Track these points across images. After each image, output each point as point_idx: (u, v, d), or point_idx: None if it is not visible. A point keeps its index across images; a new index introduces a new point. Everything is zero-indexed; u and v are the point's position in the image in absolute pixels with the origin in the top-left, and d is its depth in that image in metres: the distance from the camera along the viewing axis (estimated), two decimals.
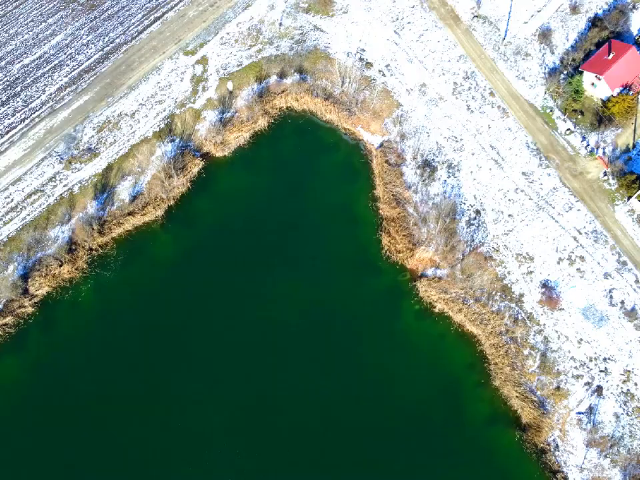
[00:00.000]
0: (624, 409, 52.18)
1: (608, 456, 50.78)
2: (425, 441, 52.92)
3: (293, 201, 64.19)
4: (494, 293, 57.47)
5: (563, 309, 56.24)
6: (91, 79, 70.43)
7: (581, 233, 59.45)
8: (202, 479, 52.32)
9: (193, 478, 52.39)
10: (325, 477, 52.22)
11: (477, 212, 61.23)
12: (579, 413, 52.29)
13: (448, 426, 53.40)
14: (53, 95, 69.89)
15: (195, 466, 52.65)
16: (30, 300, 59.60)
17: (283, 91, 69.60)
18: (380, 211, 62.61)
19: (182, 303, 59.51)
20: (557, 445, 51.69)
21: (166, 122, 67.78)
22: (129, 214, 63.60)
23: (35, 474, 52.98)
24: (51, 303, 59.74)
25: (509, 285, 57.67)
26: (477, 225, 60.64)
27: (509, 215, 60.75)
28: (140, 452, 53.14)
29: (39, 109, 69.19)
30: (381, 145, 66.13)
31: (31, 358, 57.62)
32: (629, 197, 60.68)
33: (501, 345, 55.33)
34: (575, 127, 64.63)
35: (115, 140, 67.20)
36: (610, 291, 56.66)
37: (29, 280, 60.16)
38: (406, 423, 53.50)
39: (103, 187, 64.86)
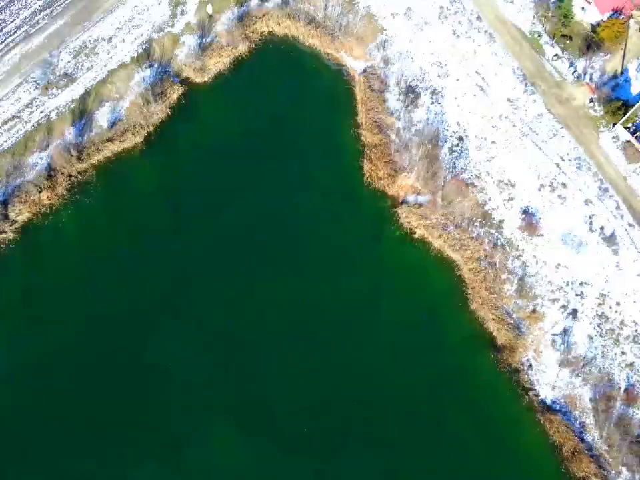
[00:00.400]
0: (597, 331, 54.56)
1: (580, 375, 53.39)
2: (402, 362, 55.72)
3: (274, 127, 64.89)
4: (474, 219, 59.05)
5: (542, 235, 58.14)
6: (66, 2, 69.93)
7: (563, 160, 60.67)
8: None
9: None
10: (306, 389, 54.93)
11: (460, 139, 62.28)
12: (554, 335, 54.68)
13: (426, 347, 56.34)
14: (28, 19, 69.46)
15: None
16: (11, 225, 61.07)
17: (264, 15, 69.50)
18: (362, 138, 63.84)
19: (163, 228, 61.02)
20: (530, 364, 54.37)
21: (144, 47, 68.02)
22: (108, 140, 64.58)
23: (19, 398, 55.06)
24: (31, 229, 61.48)
25: (489, 212, 59.37)
26: (459, 151, 61.74)
27: (492, 142, 61.99)
28: (124, 382, 55.53)
29: (14, 34, 68.86)
30: (364, 71, 66.70)
31: (13, 283, 59.48)
32: (614, 124, 61.76)
33: (479, 270, 57.38)
34: (562, 53, 65.37)
35: (92, 65, 67.41)
36: (590, 217, 58.41)
37: (9, 206, 61.56)
38: (384, 344, 56.15)
39: (81, 113, 65.45)
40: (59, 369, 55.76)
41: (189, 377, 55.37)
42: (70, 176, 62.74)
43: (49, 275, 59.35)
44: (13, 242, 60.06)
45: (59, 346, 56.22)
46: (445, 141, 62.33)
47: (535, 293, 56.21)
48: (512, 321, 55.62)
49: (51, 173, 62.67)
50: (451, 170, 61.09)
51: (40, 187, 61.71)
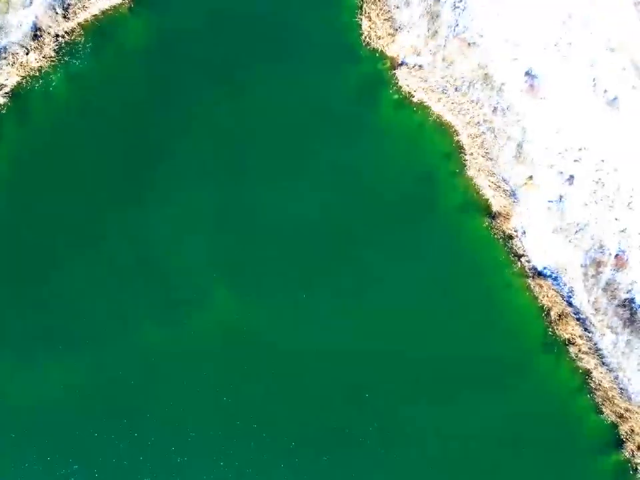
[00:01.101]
0: (593, 198, 54.82)
1: (572, 241, 54.33)
2: (395, 225, 56.29)
3: None
4: (475, 81, 57.53)
5: (544, 98, 56.55)
6: None
7: (571, 17, 57.89)
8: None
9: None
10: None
11: None
12: (549, 202, 55.00)
13: (421, 212, 56.94)
14: None
15: None
16: (0, 90, 59.65)
17: None
18: None
19: (156, 88, 59.59)
20: (524, 231, 55.19)
21: None
22: None
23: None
24: (22, 93, 60.02)
25: (491, 74, 57.62)
26: (462, 7, 58.88)
27: None
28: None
29: None
30: None
31: (8, 149, 59.02)
32: None
33: (477, 135, 56.68)
34: None
35: None
36: (594, 80, 56.53)
37: None
38: (384, 208, 56.46)
39: None
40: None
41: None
42: (57, 36, 60.47)
43: (43, 138, 58.56)
44: (4, 107, 58.92)
45: (56, 210, 57.59)
46: None
47: (532, 159, 55.72)
48: (508, 188, 55.77)
49: (37, 33, 60.37)
50: (453, 28, 58.43)
51: (27, 48, 59.69)
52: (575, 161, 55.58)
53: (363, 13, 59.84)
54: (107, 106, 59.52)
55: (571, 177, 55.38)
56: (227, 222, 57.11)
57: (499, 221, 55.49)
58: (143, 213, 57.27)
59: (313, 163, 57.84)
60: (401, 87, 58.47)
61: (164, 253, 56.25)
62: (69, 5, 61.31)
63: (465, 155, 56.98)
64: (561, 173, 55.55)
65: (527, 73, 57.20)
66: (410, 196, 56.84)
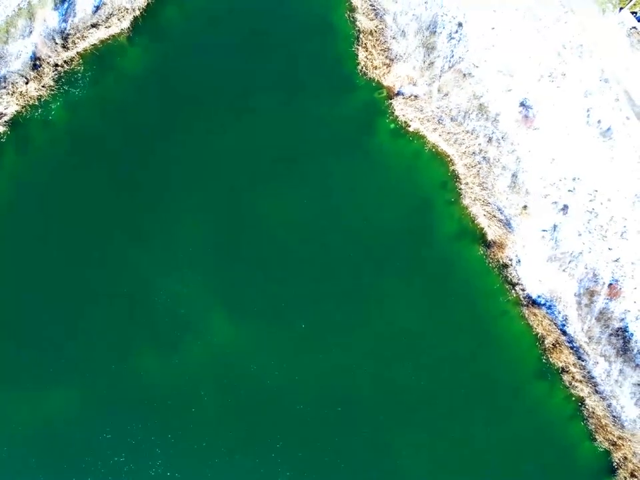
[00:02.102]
0: (586, 227, 55.65)
1: (566, 270, 55.16)
2: (391, 252, 57.09)
3: (266, 11, 62.25)
4: (470, 111, 58.31)
5: (538, 129, 57.44)
6: None
7: (565, 48, 58.78)
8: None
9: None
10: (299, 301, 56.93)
11: (459, 24, 59.95)
12: (543, 231, 55.83)
13: (417, 240, 57.58)
14: None
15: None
16: (0, 119, 60.36)
17: None
18: (357, 23, 61.16)
19: (154, 116, 60.26)
20: (518, 260, 55.93)
21: None
22: (93, 26, 62.04)
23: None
24: (21, 122, 60.60)
25: (486, 104, 58.38)
26: (458, 39, 59.69)
27: (492, 28, 59.65)
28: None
29: None
30: None
31: (7, 176, 59.69)
32: (621, 8, 59.19)
33: (473, 165, 57.45)
34: None
35: None
36: (588, 110, 57.47)
37: None
38: (379, 236, 57.24)
39: None
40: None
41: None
42: (56, 65, 60.96)
43: (42, 166, 59.27)
44: (4, 135, 59.54)
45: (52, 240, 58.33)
46: (443, 27, 59.79)
47: (527, 189, 56.54)
48: (503, 217, 56.55)
49: (36, 62, 60.90)
50: (448, 59, 59.26)
51: (26, 78, 60.17)
52: (569, 190, 56.48)
53: (360, 43, 60.55)
54: (106, 134, 60.05)
55: (565, 206, 56.28)
56: (225, 250, 57.69)
57: (493, 250, 56.28)
58: (142, 241, 57.94)
59: (310, 190, 58.47)
60: (397, 117, 59.19)
61: (161, 282, 57.09)
62: (68, 34, 61.92)
63: (461, 184, 57.77)
64: (555, 202, 56.45)
65: (522, 104, 58.09)
66: (406, 224, 57.59)
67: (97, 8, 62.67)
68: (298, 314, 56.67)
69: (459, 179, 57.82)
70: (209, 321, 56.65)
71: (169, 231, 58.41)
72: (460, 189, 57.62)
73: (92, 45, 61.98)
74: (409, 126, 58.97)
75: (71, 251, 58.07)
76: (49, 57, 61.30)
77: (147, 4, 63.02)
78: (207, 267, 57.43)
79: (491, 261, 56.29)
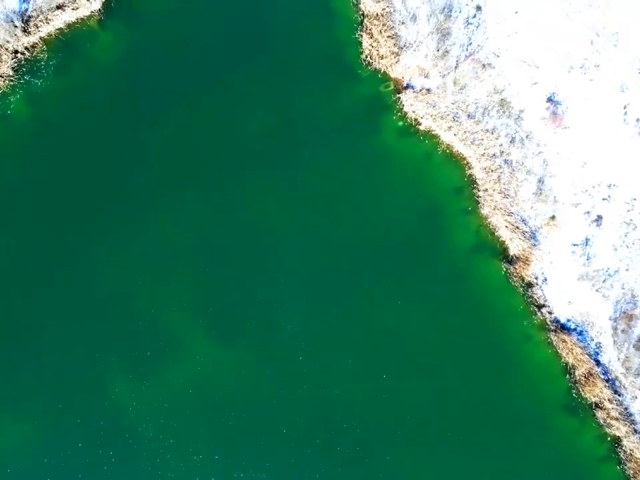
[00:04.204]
0: (623, 241, 48.84)
1: (599, 290, 48.36)
2: (402, 269, 50.28)
3: None
4: (490, 107, 51.21)
5: (568, 128, 50.48)
6: None
7: (599, 36, 51.78)
8: None
9: None
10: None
11: (478, 8, 52.66)
12: (574, 245, 49.16)
13: (429, 255, 50.43)
14: None
15: None
16: None
17: None
18: (361, 6, 53.67)
19: (126, 112, 53.03)
20: (545, 278, 49.16)
21: None
22: (58, 7, 54.25)
23: None
24: None
25: (508, 99, 51.20)
26: (476, 24, 52.53)
27: (516, 12, 52.26)
28: None
29: None
30: None
31: None
32: None
33: (493, 169, 50.44)
34: None
35: None
36: (625, 107, 50.54)
37: None
38: (386, 250, 50.43)
39: None
40: None
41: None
42: (16, 52, 53.01)
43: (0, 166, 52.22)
44: None
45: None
46: (460, 11, 52.48)
47: (555, 196, 49.61)
48: (528, 229, 49.58)
49: None
50: (465, 47, 52.03)
51: None
52: (604, 199, 49.59)
53: (364, 29, 53.18)
54: (72, 130, 52.41)
55: (599, 217, 49.42)
56: (213, 259, 50.73)
57: (517, 267, 49.32)
58: (115, 251, 50.70)
59: (306, 197, 51.38)
60: (406, 113, 51.84)
61: (145, 299, 50.15)
62: (29, 17, 54.09)
63: (479, 190, 50.73)
64: (588, 212, 49.54)
65: (549, 99, 51.09)
66: (416, 236, 50.50)
67: None
68: (292, 334, 49.90)
69: (477, 184, 50.75)
70: (192, 341, 49.67)
71: (146, 240, 51.33)
72: (478, 196, 50.57)
73: (57, 30, 54.23)
74: (420, 124, 51.71)
75: (31, 264, 50.75)
76: (7, 42, 53.53)
77: None
78: (190, 276, 50.48)
79: (513, 278, 49.32)
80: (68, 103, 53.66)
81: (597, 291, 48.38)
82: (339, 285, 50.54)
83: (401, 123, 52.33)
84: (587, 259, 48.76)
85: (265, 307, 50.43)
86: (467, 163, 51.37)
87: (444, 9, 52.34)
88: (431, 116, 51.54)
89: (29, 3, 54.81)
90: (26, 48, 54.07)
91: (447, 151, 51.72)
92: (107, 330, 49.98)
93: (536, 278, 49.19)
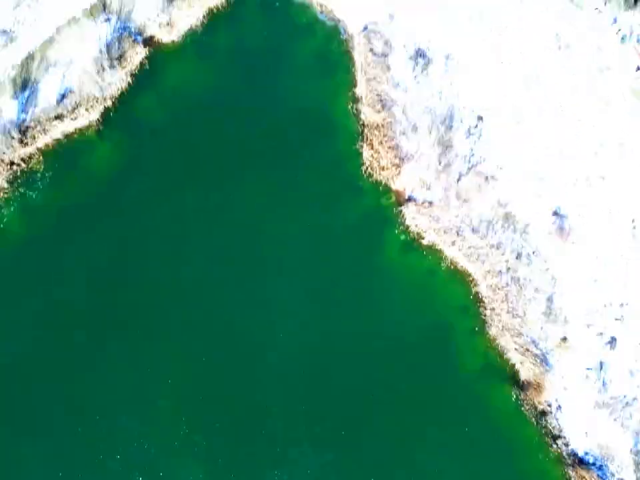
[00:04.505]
0: None
1: (618, 420, 45.22)
2: (408, 395, 47.31)
3: (256, 99, 54.62)
4: (495, 221, 49.54)
5: (576, 243, 48.59)
6: None
7: (603, 146, 50.49)
8: None
9: None
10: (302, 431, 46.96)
11: (479, 118, 51.73)
12: (588, 369, 46.38)
13: (434, 379, 47.54)
14: None
15: None
16: None
17: None
18: (361, 116, 53.03)
19: (125, 227, 51.58)
20: (559, 405, 46.14)
21: None
22: (57, 118, 53.80)
23: None
24: None
25: (513, 213, 49.54)
26: (478, 135, 51.48)
27: (518, 122, 51.27)
28: None
29: None
30: (366, 28, 55.28)
31: None
32: None
33: (500, 287, 48.29)
34: (604, 5, 53.29)
35: (35, 20, 55.65)
36: (633, 221, 48.68)
37: None
38: (387, 373, 47.66)
39: (24, 83, 54.24)
40: None
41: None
42: (12, 163, 52.18)
43: None
44: None
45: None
46: (461, 122, 51.35)
47: (566, 316, 47.14)
48: (538, 352, 46.89)
49: None
50: (467, 159, 50.75)
51: None
52: (617, 319, 47.02)
53: (364, 139, 52.25)
54: (67, 247, 50.85)
55: (613, 339, 46.81)
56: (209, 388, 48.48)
57: (528, 393, 46.33)
58: (106, 362, 48.49)
59: (305, 315, 49.04)
60: (408, 227, 50.30)
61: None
62: (27, 127, 53.47)
63: (486, 309, 48.40)
64: (601, 334, 46.91)
65: (555, 213, 49.30)
66: (420, 358, 47.65)
67: (63, 97, 54.66)
68: (290, 466, 46.75)
69: (483, 303, 48.53)
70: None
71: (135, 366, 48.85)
72: (485, 316, 48.26)
73: (55, 140, 53.61)
74: (423, 238, 50.07)
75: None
76: (4, 153, 52.77)
77: (121, 92, 55.29)
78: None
79: (525, 406, 46.40)
80: (63, 216, 52.36)
81: (614, 420, 45.26)
82: (339, 409, 47.68)
83: (403, 237, 50.71)
84: (603, 385, 45.89)
85: (265, 431, 47.42)
86: (473, 279, 49.30)
87: (445, 119, 51.41)
88: (434, 230, 49.89)
89: (27, 113, 54.38)
90: (22, 159, 53.35)
91: (452, 266, 49.80)
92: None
93: (549, 405, 46.21)
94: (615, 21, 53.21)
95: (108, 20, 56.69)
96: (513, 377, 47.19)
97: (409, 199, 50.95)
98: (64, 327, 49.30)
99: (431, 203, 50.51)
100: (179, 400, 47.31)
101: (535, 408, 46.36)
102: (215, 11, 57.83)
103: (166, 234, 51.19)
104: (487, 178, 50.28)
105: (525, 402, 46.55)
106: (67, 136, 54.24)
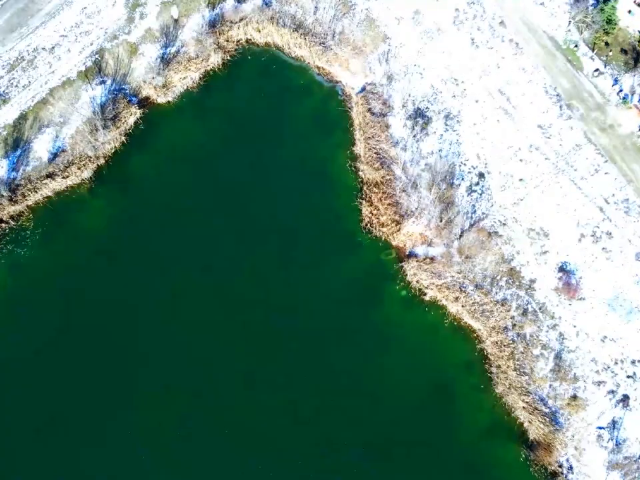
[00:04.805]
0: None
1: None
2: (411, 457, 50.21)
3: (254, 160, 59.84)
4: (499, 277, 53.95)
5: (584, 299, 53.01)
6: None
7: (608, 203, 55.69)
8: None
9: None
10: None
11: (481, 175, 57.17)
12: (600, 428, 49.58)
13: (439, 441, 50.70)
14: None
15: None
16: None
17: (242, 19, 64.66)
18: (360, 173, 58.50)
19: (116, 286, 55.54)
20: (570, 466, 49.04)
21: (94, 59, 62.75)
22: (48, 176, 59.15)
23: None
24: None
25: (518, 269, 54.17)
26: (479, 192, 56.66)
27: (520, 180, 56.87)
28: None
29: None
30: (363, 89, 61.63)
31: None
32: None
33: (505, 344, 52.13)
34: (605, 67, 60.23)
35: (29, 82, 62.25)
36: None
37: None
38: (389, 435, 50.72)
39: (15, 142, 60.12)
40: None
41: None
42: (1, 221, 57.02)
43: None
44: None
45: None
46: (462, 179, 57.05)
47: (575, 373, 50.77)
48: (547, 410, 50.08)
49: None
50: (469, 215, 55.82)
51: None
52: (628, 376, 50.60)
53: (363, 196, 57.36)
54: (56, 303, 54.95)
55: (625, 397, 50.17)
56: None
57: (538, 453, 49.20)
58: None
59: (304, 377, 52.49)
60: (409, 282, 54.57)
61: None
62: (18, 185, 58.45)
63: (491, 366, 51.96)
64: (612, 392, 50.33)
65: (561, 269, 53.70)
66: (425, 417, 50.90)
67: (55, 155, 60.04)
68: None
69: (489, 360, 52.25)
70: None
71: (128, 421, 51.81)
72: (490, 373, 51.88)
73: (45, 198, 58.65)
74: (425, 294, 54.30)
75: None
76: None
77: (114, 151, 60.64)
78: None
79: (535, 467, 49.29)
80: (50, 274, 56.29)
81: None
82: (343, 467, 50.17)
83: (404, 293, 54.75)
84: (616, 445, 48.98)
85: None
86: (477, 336, 53.12)
87: (445, 176, 56.59)
88: (436, 286, 53.98)
89: (17, 171, 59.51)
90: (11, 217, 57.92)
91: (455, 323, 53.79)
92: None
93: (560, 466, 49.03)
94: (616, 81, 59.38)
95: (103, 82, 62.65)
96: (521, 436, 50.32)
97: (410, 255, 55.40)
98: (52, 382, 52.52)
99: (432, 259, 54.83)
100: None
101: (545, 469, 49.23)
102: (211, 73, 63.78)
103: (157, 295, 55.05)
104: (489, 234, 54.97)
105: (535, 462, 49.47)
106: (57, 194, 59.17)
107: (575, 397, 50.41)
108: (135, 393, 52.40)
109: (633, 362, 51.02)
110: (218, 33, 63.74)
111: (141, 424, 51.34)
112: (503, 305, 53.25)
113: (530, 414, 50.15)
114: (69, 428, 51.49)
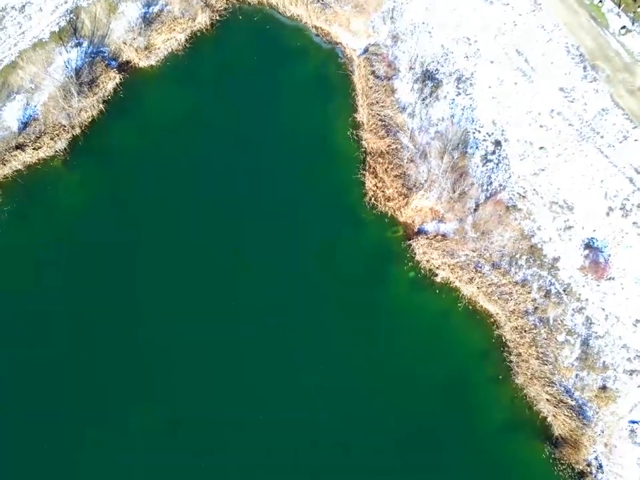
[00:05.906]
0: None
1: None
2: (423, 456, 47.51)
3: (246, 129, 57.21)
4: (518, 256, 51.21)
5: (613, 279, 50.20)
6: None
7: (639, 173, 52.88)
8: None
9: None
10: None
11: (497, 143, 54.45)
12: (632, 422, 46.98)
13: (453, 438, 47.80)
14: None
15: None
16: None
17: None
18: (363, 143, 55.75)
19: (93, 271, 52.72)
20: (600, 465, 46.44)
21: (69, 18, 60.20)
22: (18, 147, 56.40)
23: None
24: None
25: (539, 246, 51.43)
26: (496, 161, 53.96)
27: (541, 148, 54.02)
28: None
29: None
30: (366, 51, 59.10)
31: None
32: None
33: (526, 329, 49.43)
34: (632, 24, 57.54)
35: None
36: None
37: None
38: (398, 430, 48.04)
39: None
40: None
41: None
42: None
43: None
44: None
45: None
46: (477, 147, 54.14)
47: (604, 362, 48.00)
48: (573, 403, 47.30)
49: None
50: (485, 187, 52.92)
51: None
52: None
53: (367, 167, 54.41)
54: (27, 287, 51.95)
55: None
56: None
57: (564, 451, 46.45)
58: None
59: (307, 370, 49.70)
60: (419, 263, 51.73)
61: None
62: None
63: (510, 354, 49.09)
64: None
65: (588, 245, 50.76)
66: (437, 411, 48.09)
67: (25, 125, 57.26)
68: None
69: (508, 347, 49.56)
70: None
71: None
72: (509, 362, 49.14)
73: (15, 171, 55.89)
74: (436, 275, 51.56)
75: None
76: None
77: (91, 120, 57.85)
78: None
79: (561, 466, 46.46)
80: (22, 254, 53.49)
81: None
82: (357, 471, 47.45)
83: (412, 274, 52.12)
84: None
85: None
86: (494, 321, 50.45)
87: (458, 145, 53.73)
88: (449, 266, 51.33)
89: None
90: None
91: (470, 307, 51.02)
92: None
93: (589, 465, 46.35)
94: None
95: (79, 44, 60.15)
96: (544, 432, 47.54)
97: (419, 232, 52.66)
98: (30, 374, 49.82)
99: (444, 236, 52.14)
100: None
101: (572, 468, 46.52)
102: (198, 34, 61.43)
103: (143, 280, 52.29)
104: (507, 207, 52.13)
105: (560, 461, 46.70)
106: (28, 166, 56.53)
107: (604, 388, 47.87)
108: (128, 390, 49.68)
109: None
110: None
111: (139, 424, 48.61)
112: (523, 286, 50.53)
113: (554, 407, 47.45)
114: (63, 429, 48.90)
